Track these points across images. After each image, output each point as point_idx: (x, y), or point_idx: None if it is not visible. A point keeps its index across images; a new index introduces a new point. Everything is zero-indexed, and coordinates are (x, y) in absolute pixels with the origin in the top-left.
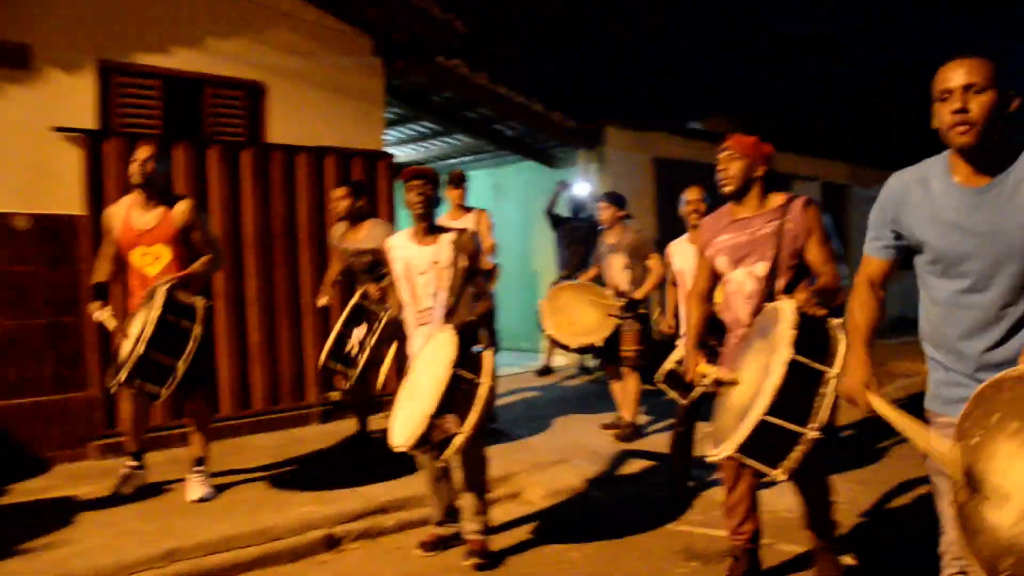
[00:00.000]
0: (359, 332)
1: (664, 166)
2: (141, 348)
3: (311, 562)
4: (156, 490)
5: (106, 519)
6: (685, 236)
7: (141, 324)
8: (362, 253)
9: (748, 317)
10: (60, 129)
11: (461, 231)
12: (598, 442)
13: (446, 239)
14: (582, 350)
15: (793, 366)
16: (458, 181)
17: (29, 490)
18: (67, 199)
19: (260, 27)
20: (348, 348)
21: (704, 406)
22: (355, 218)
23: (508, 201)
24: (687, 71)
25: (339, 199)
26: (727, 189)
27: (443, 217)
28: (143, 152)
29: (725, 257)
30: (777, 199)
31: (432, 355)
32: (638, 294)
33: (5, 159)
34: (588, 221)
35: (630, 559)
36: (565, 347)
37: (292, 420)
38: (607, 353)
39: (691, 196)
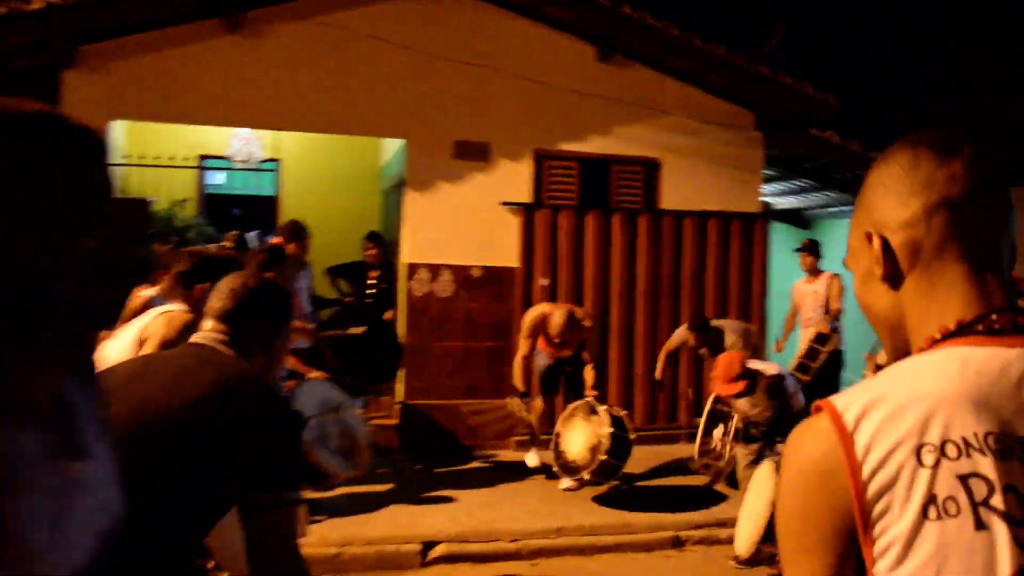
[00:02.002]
0: (718, 433)
1: None
2: (603, 457)
3: (658, 555)
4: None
5: (520, 498)
6: None
7: (593, 437)
8: None
9: None
10: (505, 203)
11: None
12: None
13: None
14: None
15: None
16: (810, 249)
17: (466, 470)
18: (506, 255)
19: (656, 113)
20: (712, 446)
21: None
22: None
23: None
24: None
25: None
26: None
27: (798, 282)
28: (559, 328)
29: None
30: None
31: (760, 482)
32: None
33: (469, 227)
34: None
35: None
36: None
37: (664, 437)
38: None
39: None
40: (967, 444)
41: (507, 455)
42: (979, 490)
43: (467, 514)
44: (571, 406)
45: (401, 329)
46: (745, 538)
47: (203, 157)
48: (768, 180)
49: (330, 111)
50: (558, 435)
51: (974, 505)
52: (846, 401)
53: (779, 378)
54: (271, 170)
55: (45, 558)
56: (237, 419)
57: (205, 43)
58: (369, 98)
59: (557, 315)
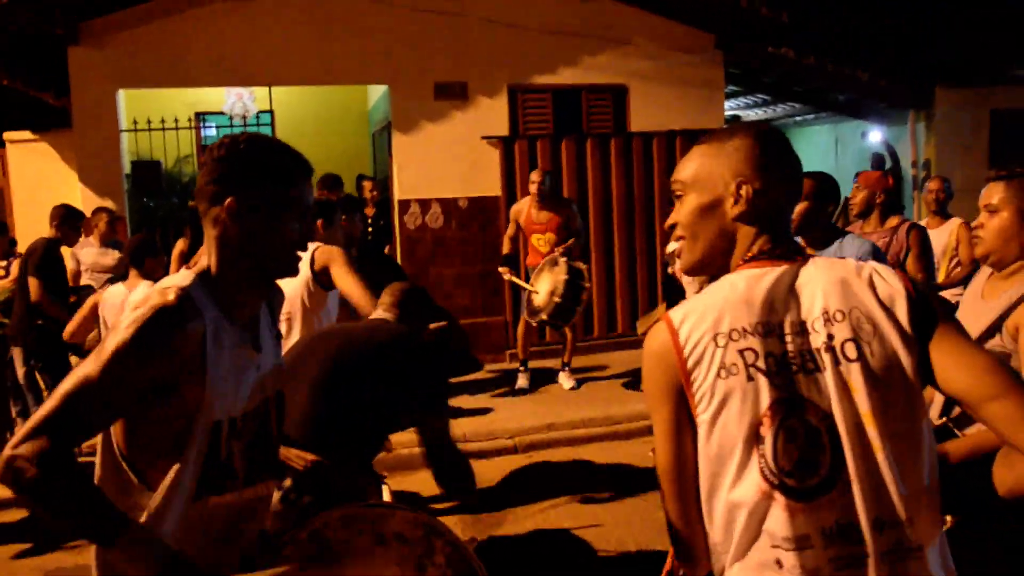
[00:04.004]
0: None
1: (1004, 118)
2: (558, 299)
3: (638, 442)
4: (544, 384)
5: (515, 401)
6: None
7: (551, 283)
8: None
9: None
10: (485, 137)
11: None
12: None
13: None
14: None
15: None
16: None
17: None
18: (489, 185)
19: (622, 41)
20: None
21: None
22: None
23: (847, 155)
24: None
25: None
26: (854, 212)
27: None
28: (537, 175)
29: None
30: (893, 221)
31: None
32: None
33: (454, 161)
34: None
35: None
36: None
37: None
38: None
39: (932, 186)
40: (744, 331)
41: (502, 366)
42: (750, 358)
43: (468, 418)
44: (541, 262)
45: (399, 260)
46: None
47: (199, 114)
48: (732, 95)
49: (318, 64)
50: (531, 289)
51: (747, 366)
52: (675, 312)
53: None
54: (266, 124)
55: (227, 399)
56: (405, 358)
57: (198, 9)
58: (353, 49)
59: (534, 173)
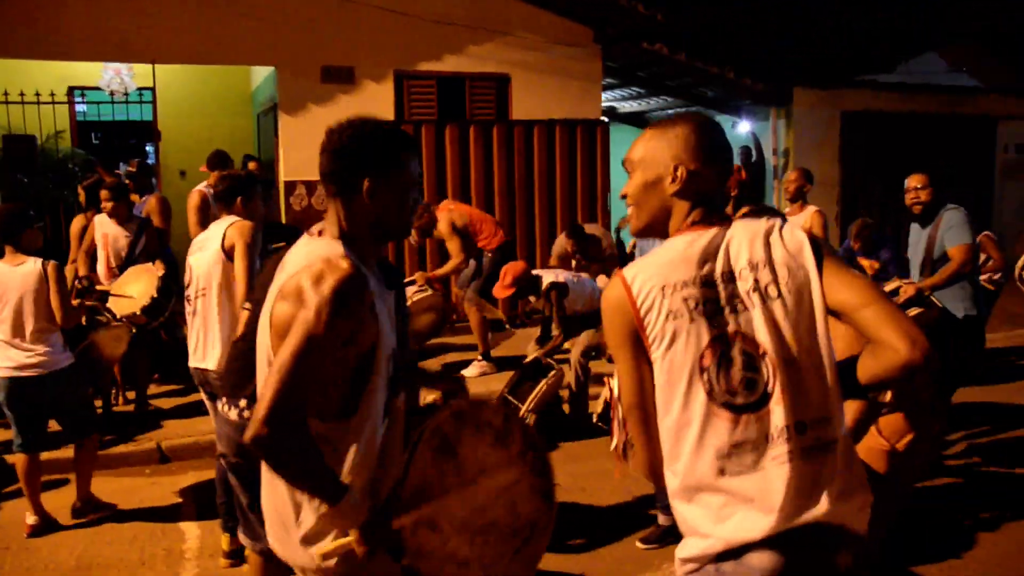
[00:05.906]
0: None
1: (853, 119)
2: None
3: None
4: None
5: None
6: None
7: None
8: None
9: None
10: None
11: None
12: None
13: None
14: None
15: None
16: None
17: None
18: None
19: (505, 32)
20: None
21: None
22: None
23: None
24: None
25: None
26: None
27: None
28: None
29: None
30: (743, 211)
31: None
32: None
33: None
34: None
35: None
36: None
37: (527, 324)
38: None
39: (791, 176)
40: (685, 282)
41: None
42: (691, 304)
43: None
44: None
45: None
46: None
47: (72, 88)
48: (609, 88)
49: (205, 42)
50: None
51: (689, 311)
52: (628, 270)
53: (559, 286)
54: (148, 101)
55: (390, 336)
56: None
57: None
58: (241, 29)
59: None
